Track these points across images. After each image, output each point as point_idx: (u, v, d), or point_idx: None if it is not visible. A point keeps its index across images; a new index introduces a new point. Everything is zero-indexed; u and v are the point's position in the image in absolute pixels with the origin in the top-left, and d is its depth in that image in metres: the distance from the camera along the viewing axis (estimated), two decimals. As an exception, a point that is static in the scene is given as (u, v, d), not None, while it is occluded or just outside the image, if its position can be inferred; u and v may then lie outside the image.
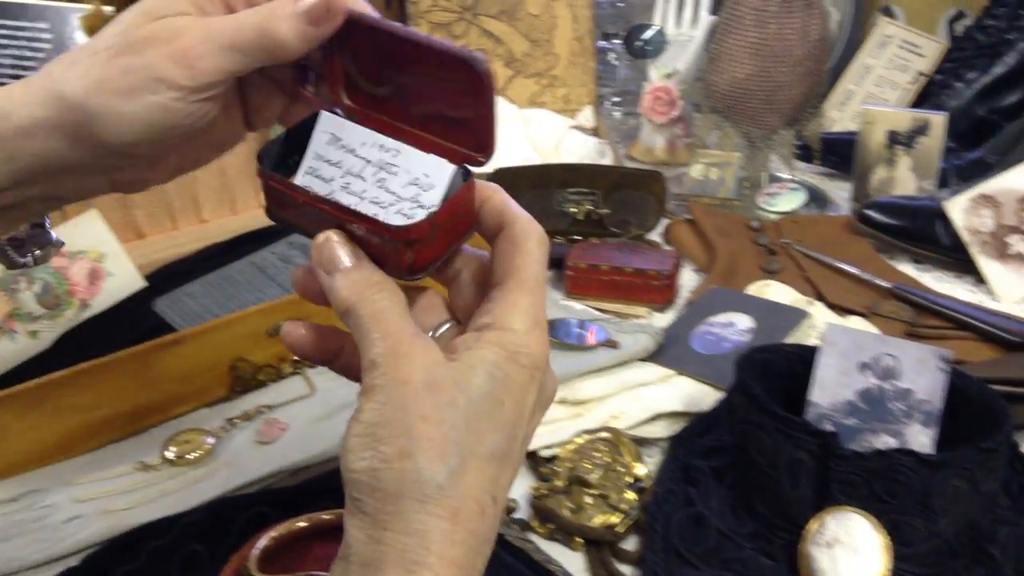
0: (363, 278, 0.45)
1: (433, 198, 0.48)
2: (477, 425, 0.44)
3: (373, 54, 0.49)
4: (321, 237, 0.46)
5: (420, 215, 0.47)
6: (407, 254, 0.46)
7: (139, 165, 0.52)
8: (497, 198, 0.49)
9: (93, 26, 1.41)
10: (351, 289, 0.45)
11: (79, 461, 0.85)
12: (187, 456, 0.83)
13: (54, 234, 0.57)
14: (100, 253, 1.01)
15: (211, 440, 0.85)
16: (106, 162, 0.50)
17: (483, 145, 0.48)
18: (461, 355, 0.45)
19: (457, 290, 0.50)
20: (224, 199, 1.12)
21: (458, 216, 0.48)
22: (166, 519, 0.74)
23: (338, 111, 0.51)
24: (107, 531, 0.75)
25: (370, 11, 0.49)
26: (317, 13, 0.47)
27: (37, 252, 0.56)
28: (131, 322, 0.98)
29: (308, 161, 0.50)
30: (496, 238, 0.48)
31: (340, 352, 0.50)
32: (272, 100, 0.54)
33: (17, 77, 1.48)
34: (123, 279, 1.01)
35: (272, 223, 0.53)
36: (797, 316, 1.02)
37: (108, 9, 1.43)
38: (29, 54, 1.49)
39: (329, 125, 0.50)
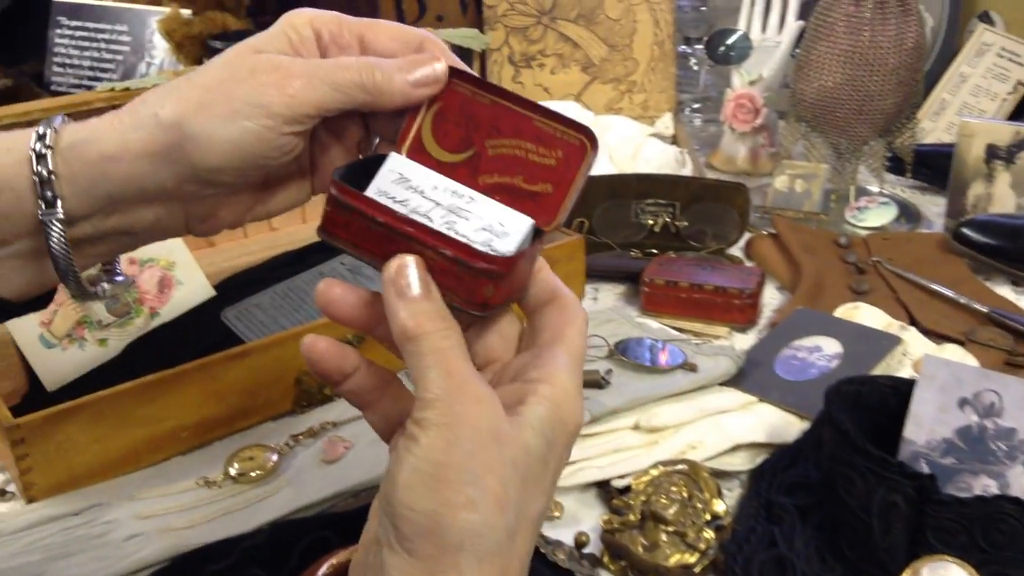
0: (432, 310, 0.44)
1: (507, 245, 0.48)
2: (529, 487, 0.43)
3: (462, 117, 0.50)
4: (397, 261, 0.45)
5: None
6: (487, 287, 0.45)
7: (217, 196, 0.52)
8: (548, 271, 0.50)
9: (170, 29, 1.41)
10: (417, 319, 0.44)
11: (143, 474, 0.83)
12: (250, 473, 0.81)
13: (124, 275, 0.57)
14: (170, 261, 1.00)
15: (274, 457, 0.83)
16: (187, 188, 0.50)
17: (549, 220, 0.49)
18: (518, 410, 0.44)
19: (479, 337, 0.49)
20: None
21: (527, 269, 0.48)
22: (226, 541, 0.72)
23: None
24: (168, 550, 0.73)
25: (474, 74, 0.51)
26: (423, 77, 0.49)
27: (106, 286, 0.56)
28: (199, 332, 0.97)
29: (369, 194, 0.48)
30: (544, 308, 0.49)
31: (353, 374, 0.48)
32: (336, 165, 0.54)
33: (96, 79, 1.49)
34: (192, 288, 1.00)
35: None
36: (889, 342, 0.96)
37: (185, 12, 1.43)
38: (108, 56, 1.50)
39: (398, 165, 0.50)
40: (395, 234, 0.45)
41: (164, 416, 0.85)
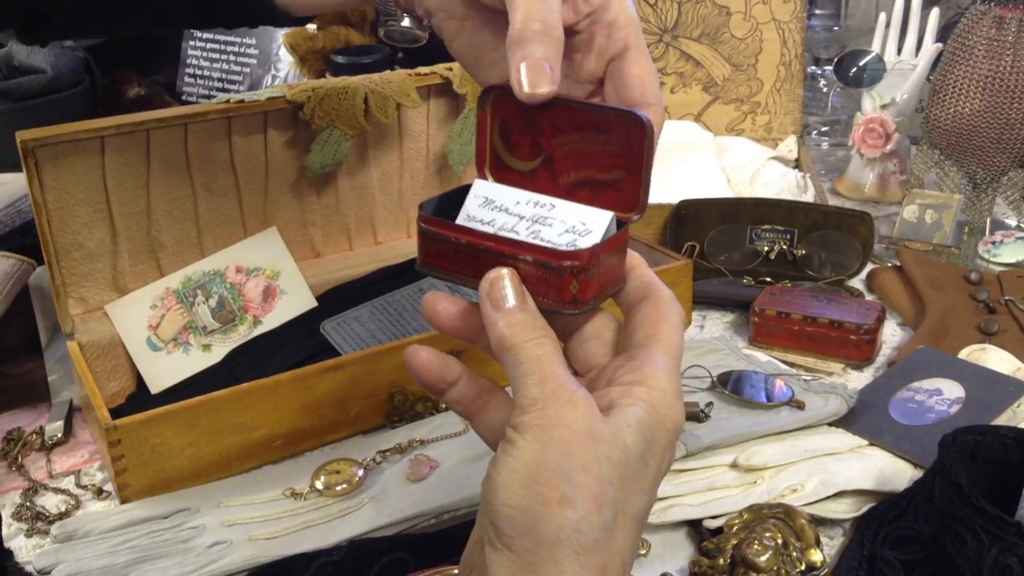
0: (527, 320, 0.46)
1: (590, 242, 0.49)
2: (628, 484, 0.44)
3: (523, 125, 0.52)
4: (493, 274, 0.47)
5: None
6: (572, 283, 0.47)
7: None
8: (644, 267, 0.51)
9: (295, 43, 1.44)
10: (514, 329, 0.46)
11: (232, 482, 0.84)
12: (335, 487, 0.81)
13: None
14: (275, 271, 1.01)
15: (360, 472, 0.83)
16: None
17: (633, 205, 0.50)
18: (614, 411, 0.45)
19: (579, 343, 0.51)
20: (400, 221, 1.10)
21: (614, 261, 0.49)
22: (304, 556, 0.72)
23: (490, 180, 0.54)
24: (248, 560, 0.74)
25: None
26: None
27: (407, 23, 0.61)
28: (298, 342, 0.98)
29: (459, 222, 0.51)
30: (638, 305, 0.49)
31: (456, 383, 0.51)
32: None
33: (224, 90, 1.54)
34: (295, 298, 1.01)
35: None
36: (1016, 389, 0.89)
37: (311, 27, 1.46)
38: (236, 68, 1.55)
39: (482, 190, 0.53)
40: (480, 251, 0.48)
41: (257, 424, 0.86)
